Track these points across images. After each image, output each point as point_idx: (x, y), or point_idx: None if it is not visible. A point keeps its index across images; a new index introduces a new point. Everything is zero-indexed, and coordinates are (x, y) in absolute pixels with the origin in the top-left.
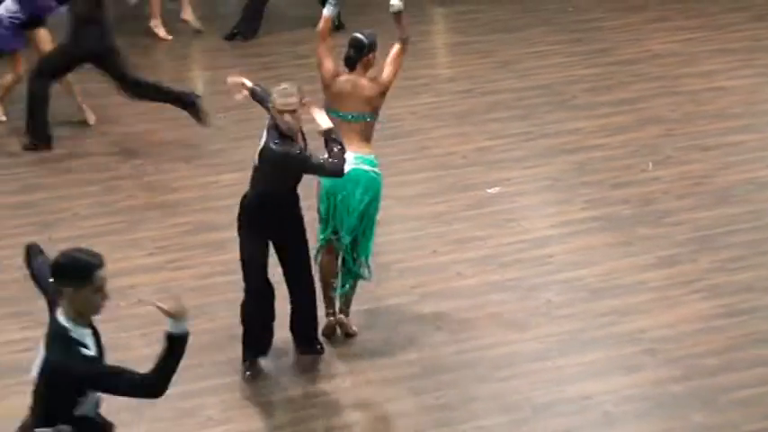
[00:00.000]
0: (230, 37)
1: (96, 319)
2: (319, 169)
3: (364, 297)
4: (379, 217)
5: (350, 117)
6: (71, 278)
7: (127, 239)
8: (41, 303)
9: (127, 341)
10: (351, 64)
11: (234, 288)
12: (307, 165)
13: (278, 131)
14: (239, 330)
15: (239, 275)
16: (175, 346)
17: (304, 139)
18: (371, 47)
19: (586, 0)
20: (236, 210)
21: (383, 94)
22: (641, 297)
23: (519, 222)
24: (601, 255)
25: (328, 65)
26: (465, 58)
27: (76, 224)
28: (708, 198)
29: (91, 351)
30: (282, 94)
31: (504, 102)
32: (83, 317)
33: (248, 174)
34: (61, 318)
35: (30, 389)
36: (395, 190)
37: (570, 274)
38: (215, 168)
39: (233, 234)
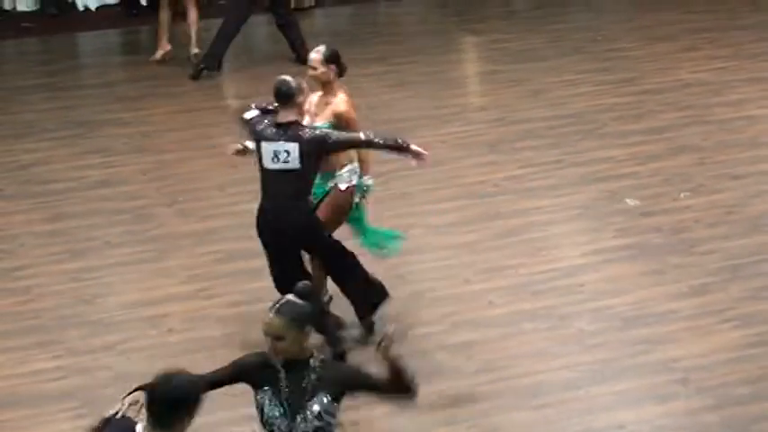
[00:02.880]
0: (197, 74)
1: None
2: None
3: None
4: (410, 245)
5: None
6: None
7: (158, 268)
8: (73, 332)
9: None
10: None
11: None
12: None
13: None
14: None
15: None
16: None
17: None
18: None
19: (615, 29)
20: None
21: None
22: (673, 326)
23: (550, 251)
24: (632, 283)
25: None
26: (495, 86)
27: (107, 252)
28: (739, 227)
29: None
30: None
31: (535, 130)
32: None
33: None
34: None
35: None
36: (426, 218)
37: (602, 303)
38: (246, 196)
39: (265, 262)
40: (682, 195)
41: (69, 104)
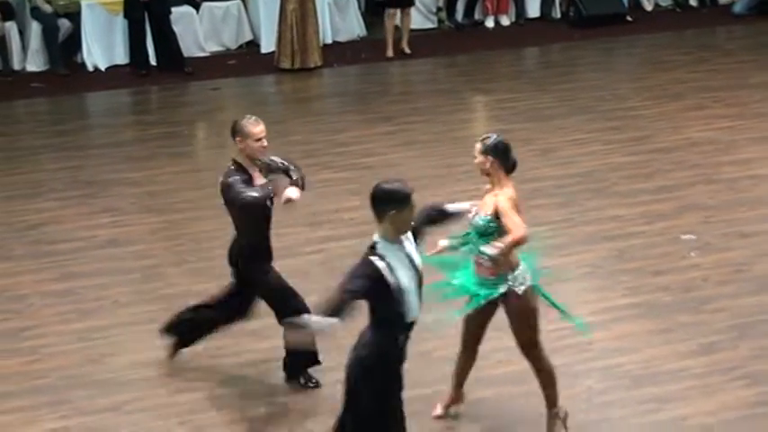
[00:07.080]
0: None
1: None
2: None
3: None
4: None
5: None
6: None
7: None
8: (81, 392)
9: (165, 429)
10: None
11: (276, 376)
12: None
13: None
14: (289, 415)
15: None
16: None
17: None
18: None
19: (624, 88)
20: None
21: None
22: (682, 384)
23: None
24: (641, 342)
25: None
26: None
27: (116, 312)
28: (748, 285)
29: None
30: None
31: (544, 189)
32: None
33: (285, 263)
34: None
35: None
36: (436, 276)
37: (611, 361)
38: None
39: (272, 321)
40: (692, 254)
41: (78, 164)
